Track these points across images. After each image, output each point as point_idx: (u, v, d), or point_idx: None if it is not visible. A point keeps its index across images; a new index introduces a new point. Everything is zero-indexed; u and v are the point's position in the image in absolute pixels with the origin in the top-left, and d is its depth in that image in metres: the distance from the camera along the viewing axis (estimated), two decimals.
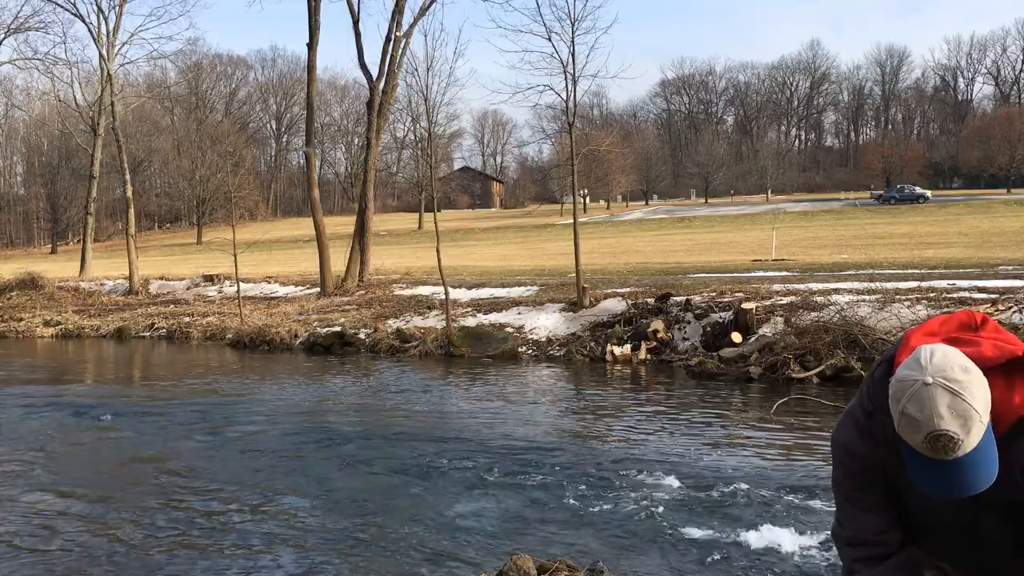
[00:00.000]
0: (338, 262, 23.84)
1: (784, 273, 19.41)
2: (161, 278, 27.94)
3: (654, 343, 14.18)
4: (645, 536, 5.97)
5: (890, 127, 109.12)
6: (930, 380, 1.80)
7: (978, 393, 1.81)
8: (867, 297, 13.26)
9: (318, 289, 22.89)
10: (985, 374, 1.86)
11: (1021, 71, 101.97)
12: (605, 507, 6.60)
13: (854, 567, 2.19)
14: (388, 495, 7.14)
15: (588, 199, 76.40)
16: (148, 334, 20.70)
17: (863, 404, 2.09)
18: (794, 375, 11.76)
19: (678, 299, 15.06)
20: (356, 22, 24.23)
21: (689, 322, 14.38)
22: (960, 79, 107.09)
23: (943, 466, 1.82)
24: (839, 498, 2.21)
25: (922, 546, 2.21)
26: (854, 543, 2.19)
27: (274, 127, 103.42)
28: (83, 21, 32.74)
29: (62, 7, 33.02)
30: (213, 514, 6.73)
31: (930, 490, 1.87)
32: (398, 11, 23.77)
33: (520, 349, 15.32)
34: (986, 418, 1.82)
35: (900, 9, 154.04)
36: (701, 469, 7.59)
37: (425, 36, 45.34)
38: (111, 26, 32.38)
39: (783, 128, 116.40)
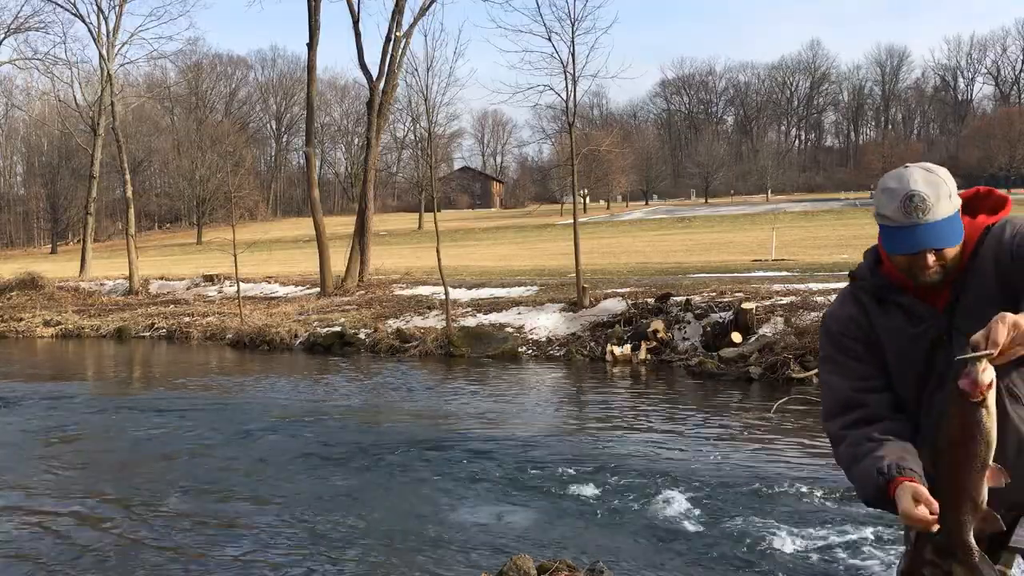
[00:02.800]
0: (338, 262, 23.83)
1: (784, 273, 19.40)
2: (161, 278, 27.92)
3: (654, 343, 14.18)
4: (645, 536, 5.97)
5: (890, 127, 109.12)
6: (909, 166, 2.13)
7: (948, 178, 2.09)
8: None
9: (318, 289, 22.89)
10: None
11: (1021, 71, 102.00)
12: (605, 507, 6.60)
13: (840, 435, 2.20)
14: (387, 495, 7.15)
15: (588, 199, 76.35)
16: (148, 334, 20.71)
17: (849, 273, 2.34)
18: (794, 375, 11.76)
19: (678, 299, 15.06)
20: (356, 22, 24.24)
21: (689, 322, 14.38)
22: (960, 79, 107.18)
23: (914, 229, 2.04)
24: (822, 373, 2.33)
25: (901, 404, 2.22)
26: (836, 412, 2.23)
27: (274, 127, 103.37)
28: (83, 21, 32.78)
29: (62, 7, 33.06)
30: (208, 513, 6.72)
31: (900, 247, 2.08)
32: (398, 11, 23.78)
33: (520, 349, 15.32)
34: (956, 201, 2.09)
35: (900, 9, 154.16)
36: (701, 469, 7.59)
37: (425, 36, 45.23)
38: (111, 26, 32.42)
39: (783, 128, 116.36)
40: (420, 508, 6.73)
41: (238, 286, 21.63)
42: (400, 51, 23.70)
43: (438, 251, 17.99)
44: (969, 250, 2.13)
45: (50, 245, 72.96)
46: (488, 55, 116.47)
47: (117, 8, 32.35)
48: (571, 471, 7.56)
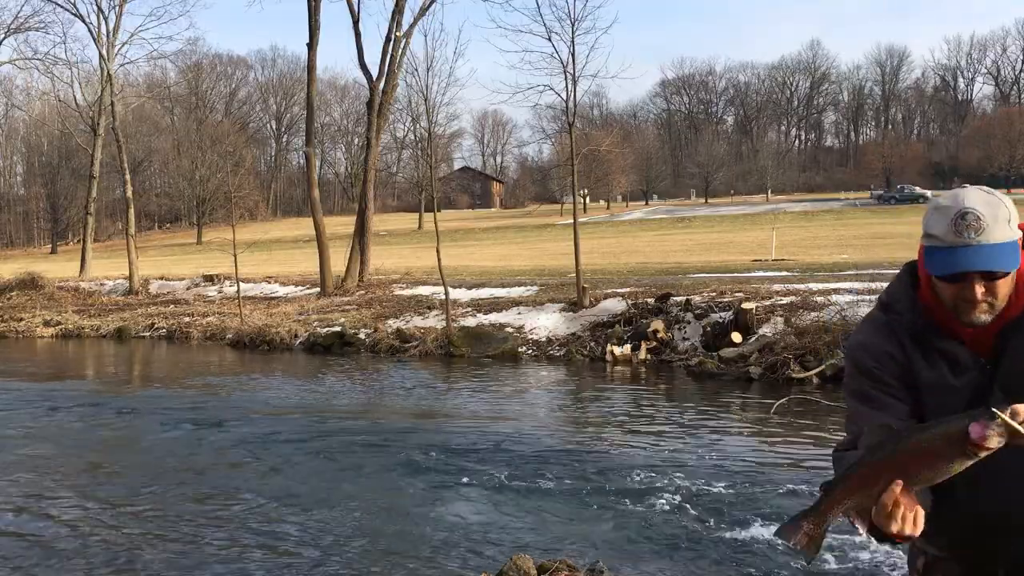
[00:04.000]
0: (338, 262, 23.83)
1: (784, 273, 19.40)
2: (161, 278, 27.93)
3: (654, 343, 14.18)
4: (645, 536, 5.97)
5: (890, 127, 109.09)
6: (966, 186, 1.94)
7: (1009, 204, 1.89)
8: (867, 297, 13.26)
9: (318, 289, 22.89)
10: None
11: (1021, 71, 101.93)
12: (605, 507, 6.60)
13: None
14: (388, 495, 7.15)
15: (588, 199, 76.30)
16: (148, 334, 20.70)
17: (882, 300, 2.13)
18: (794, 375, 11.76)
19: (678, 299, 15.06)
20: (356, 22, 24.25)
21: (689, 322, 14.38)
22: (960, 79, 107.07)
23: (965, 249, 1.84)
24: (851, 401, 2.11)
25: None
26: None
27: (274, 127, 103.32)
28: (83, 21, 32.79)
29: (62, 7, 33.06)
30: (207, 512, 6.72)
31: (945, 268, 1.87)
32: (398, 11, 23.79)
33: (520, 349, 15.32)
34: (1015, 227, 1.87)
35: (900, 9, 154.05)
36: (700, 469, 7.59)
37: (425, 36, 45.17)
38: (111, 26, 32.42)
39: (783, 128, 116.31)
40: (420, 508, 6.73)
41: (238, 286, 21.63)
42: (400, 51, 23.74)
43: (438, 251, 17.99)
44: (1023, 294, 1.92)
45: (50, 245, 72.92)
46: (488, 55, 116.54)
47: (117, 8, 32.39)
48: (571, 471, 7.56)
